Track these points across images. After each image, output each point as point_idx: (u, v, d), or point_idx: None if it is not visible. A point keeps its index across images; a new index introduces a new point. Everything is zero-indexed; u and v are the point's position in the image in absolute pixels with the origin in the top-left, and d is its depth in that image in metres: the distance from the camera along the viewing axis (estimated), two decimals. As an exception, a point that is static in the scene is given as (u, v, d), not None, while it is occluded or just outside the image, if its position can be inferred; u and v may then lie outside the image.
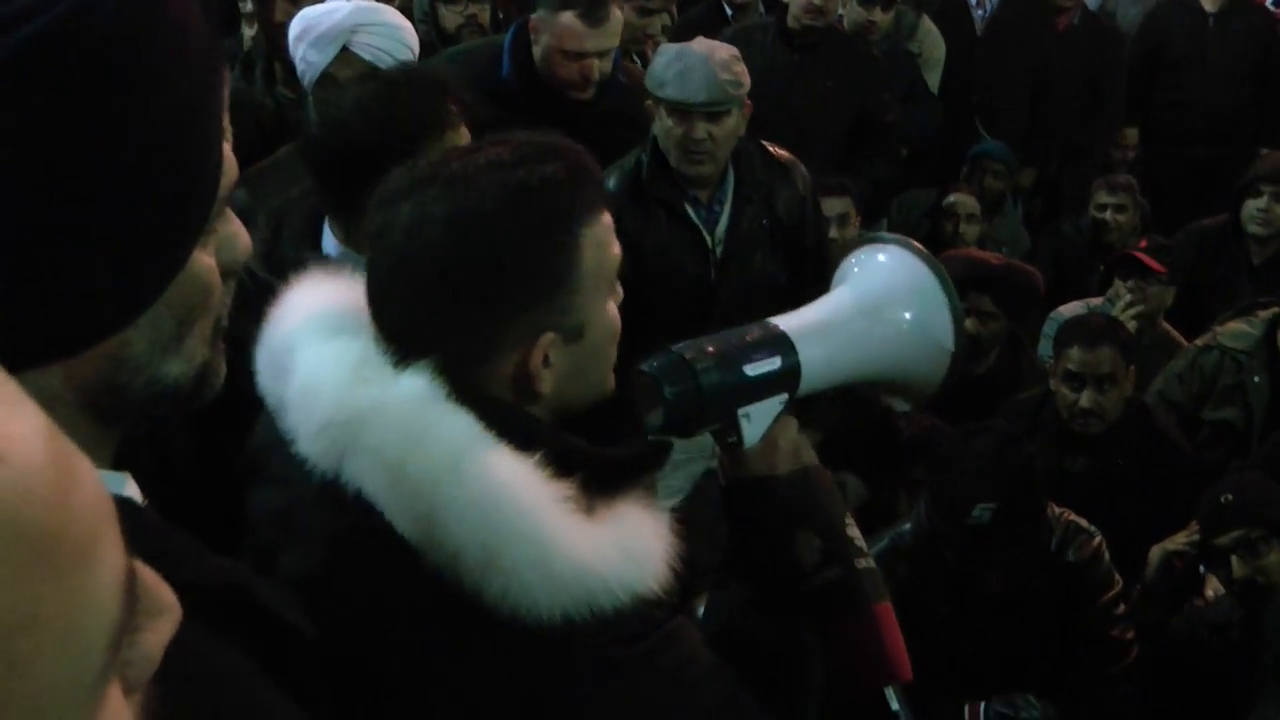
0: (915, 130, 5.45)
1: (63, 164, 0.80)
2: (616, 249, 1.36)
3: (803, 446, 1.51)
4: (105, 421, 0.91)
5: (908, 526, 3.09)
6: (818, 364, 1.52)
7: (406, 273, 1.28)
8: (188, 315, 0.92)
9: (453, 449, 1.20)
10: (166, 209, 0.87)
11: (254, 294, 1.36)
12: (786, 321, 1.53)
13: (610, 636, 1.21)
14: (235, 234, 0.99)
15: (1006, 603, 2.99)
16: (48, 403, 0.85)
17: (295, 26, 3.08)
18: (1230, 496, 3.25)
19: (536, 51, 3.53)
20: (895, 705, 1.41)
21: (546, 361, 1.30)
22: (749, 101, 3.44)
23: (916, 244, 1.64)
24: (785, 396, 1.50)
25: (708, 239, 3.49)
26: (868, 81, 4.94)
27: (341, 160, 2.11)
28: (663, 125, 3.40)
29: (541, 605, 1.17)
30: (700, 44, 3.50)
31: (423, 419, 1.21)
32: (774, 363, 1.48)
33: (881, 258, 1.63)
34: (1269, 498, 3.26)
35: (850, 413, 3.97)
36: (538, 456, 1.21)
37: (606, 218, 1.35)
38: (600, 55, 3.47)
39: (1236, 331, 4.13)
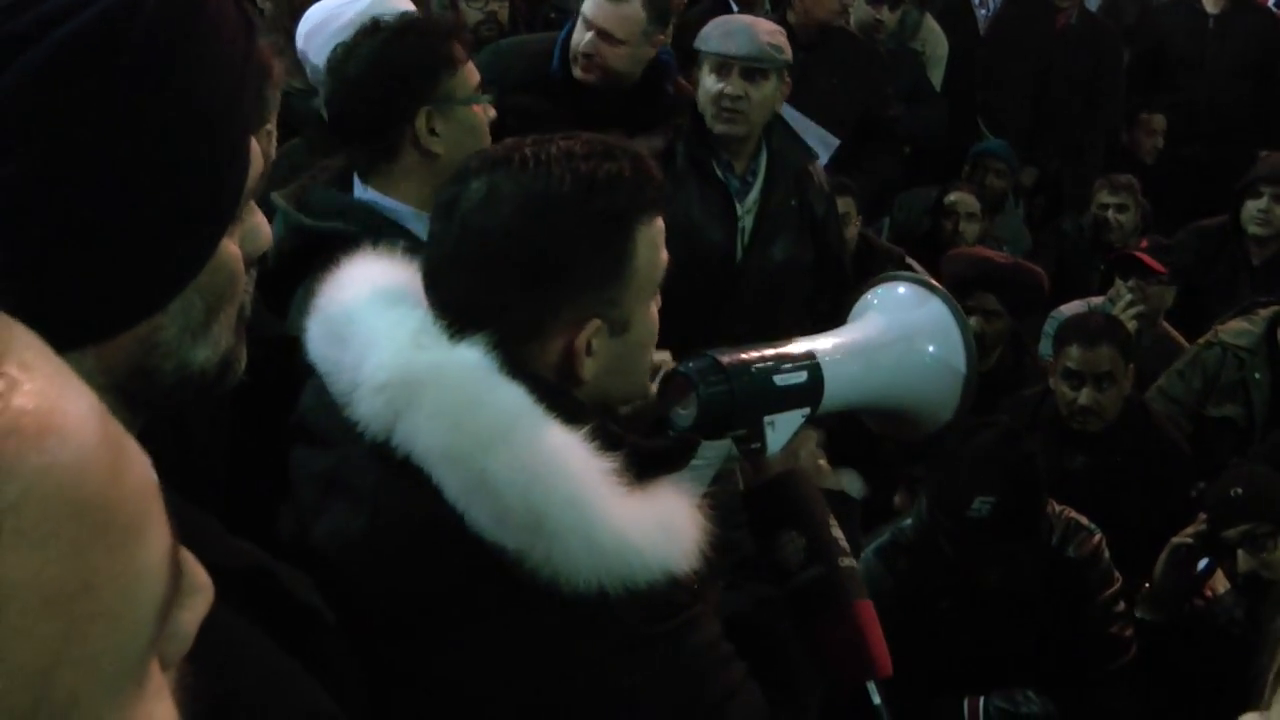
0: (920, 129, 5.47)
1: (103, 155, 0.83)
2: (665, 255, 1.42)
3: (825, 468, 1.60)
4: (132, 406, 0.94)
5: (909, 522, 3.10)
6: (840, 384, 1.60)
7: (471, 246, 1.34)
8: (216, 302, 0.96)
9: (506, 415, 1.25)
10: (200, 198, 0.90)
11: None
12: (814, 342, 1.62)
13: (639, 613, 1.25)
14: (259, 225, 1.03)
15: (1006, 598, 3.00)
16: None
17: (309, 21, 3.07)
18: (1240, 490, 3.25)
19: None
20: (877, 700, 1.43)
21: (590, 349, 1.35)
22: (789, 80, 3.52)
23: (932, 280, 1.77)
24: (808, 410, 1.56)
25: (737, 207, 3.53)
26: (872, 79, 4.95)
27: (365, 113, 2.22)
28: (703, 83, 3.49)
29: (581, 574, 1.21)
30: (748, 15, 3.69)
31: (478, 386, 1.26)
32: (800, 376, 1.55)
33: (901, 291, 1.74)
34: (1277, 492, 3.27)
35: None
36: (586, 430, 1.26)
37: (660, 223, 1.41)
38: (603, 36, 3.49)
39: (1238, 329, 4.14)
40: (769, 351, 1.56)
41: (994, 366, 4.31)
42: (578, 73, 3.53)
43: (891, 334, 1.68)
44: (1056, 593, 3.04)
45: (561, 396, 1.31)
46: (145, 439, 0.96)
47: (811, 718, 1.48)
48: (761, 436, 1.52)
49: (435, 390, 1.26)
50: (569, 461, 1.24)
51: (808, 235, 3.61)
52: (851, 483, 4.03)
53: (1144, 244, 4.78)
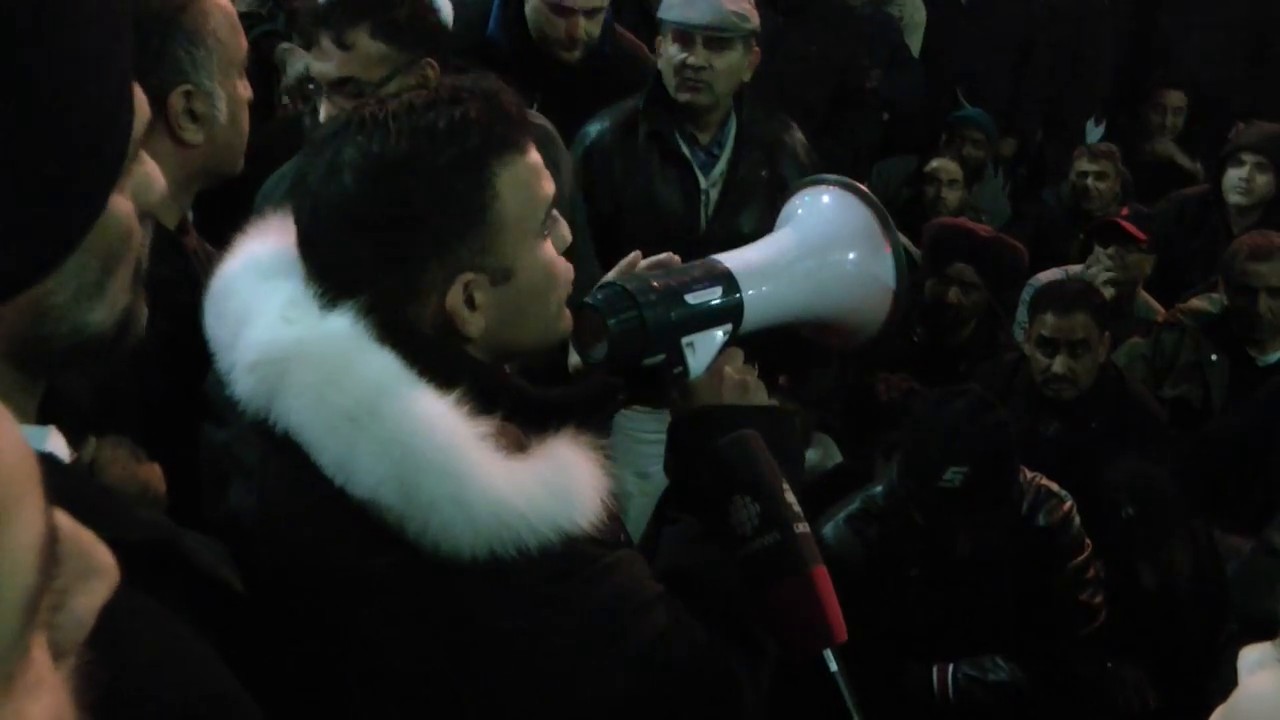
0: (898, 96, 5.43)
1: None
2: (548, 187, 1.37)
3: (753, 383, 1.53)
4: (30, 371, 0.91)
5: (878, 489, 3.09)
6: (761, 300, 1.55)
7: (323, 218, 1.31)
8: (109, 261, 0.92)
9: (372, 387, 1.23)
10: (83, 154, 0.84)
11: None
12: (730, 259, 1.57)
13: (539, 572, 1.23)
14: (150, 175, 0.98)
15: (976, 566, 3.00)
16: None
17: None
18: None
19: (527, 7, 3.52)
20: (834, 666, 1.40)
21: (471, 303, 1.31)
22: (757, 49, 3.45)
23: (859, 185, 1.68)
24: (729, 327, 1.52)
25: (700, 179, 3.48)
26: (850, 47, 4.91)
27: None
28: (665, 53, 3.43)
29: (463, 542, 1.20)
30: None
31: (345, 358, 1.24)
32: (714, 292, 1.51)
33: (825, 199, 1.68)
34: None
35: (828, 377, 3.97)
36: (458, 394, 1.24)
37: (531, 157, 1.35)
38: (587, 14, 3.46)
39: (1195, 308, 4.13)
40: (679, 275, 1.52)
41: (969, 338, 4.31)
42: (562, 55, 3.48)
43: (811, 243, 1.63)
44: (1027, 560, 3.04)
45: (440, 355, 1.28)
46: (46, 409, 0.94)
47: (767, 667, 1.45)
48: (682, 359, 1.49)
49: (301, 366, 1.24)
50: (438, 430, 1.21)
51: (779, 207, 3.55)
52: (829, 450, 4.03)
53: (1124, 212, 4.76)
